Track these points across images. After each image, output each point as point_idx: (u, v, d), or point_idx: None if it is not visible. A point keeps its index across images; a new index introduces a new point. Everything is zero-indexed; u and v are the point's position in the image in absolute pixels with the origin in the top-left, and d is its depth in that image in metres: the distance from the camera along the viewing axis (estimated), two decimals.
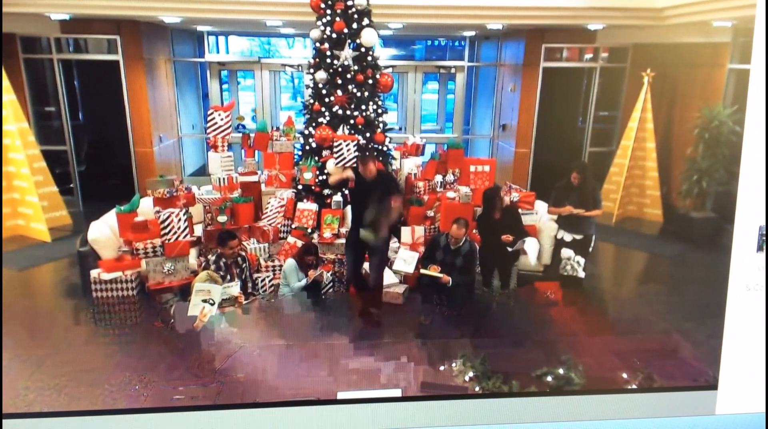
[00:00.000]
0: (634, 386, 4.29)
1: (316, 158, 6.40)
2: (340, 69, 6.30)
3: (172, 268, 5.25)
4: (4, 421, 3.50)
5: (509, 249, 5.61)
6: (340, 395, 3.90)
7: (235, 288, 4.42)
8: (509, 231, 5.65)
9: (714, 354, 3.85)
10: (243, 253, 5.34)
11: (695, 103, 7.79)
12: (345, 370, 4.55)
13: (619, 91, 8.50)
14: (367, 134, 6.43)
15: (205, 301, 4.15)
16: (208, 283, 4.22)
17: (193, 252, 5.55)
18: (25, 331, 5.09)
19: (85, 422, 3.49)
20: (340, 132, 6.34)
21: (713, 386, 3.84)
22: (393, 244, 6.11)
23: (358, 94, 6.36)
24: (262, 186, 6.49)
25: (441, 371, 4.47)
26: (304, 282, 5.26)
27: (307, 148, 6.51)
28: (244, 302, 4.53)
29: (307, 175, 6.32)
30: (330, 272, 5.66)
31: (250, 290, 5.24)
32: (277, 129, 6.70)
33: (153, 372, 4.27)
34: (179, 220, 5.31)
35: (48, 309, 5.69)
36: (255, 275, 5.46)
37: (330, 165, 6.26)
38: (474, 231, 5.84)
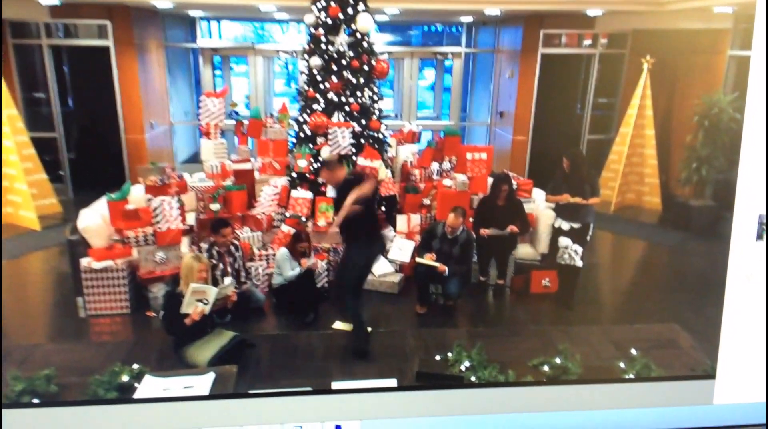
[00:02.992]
0: (632, 376, 4.30)
1: (311, 146, 6.36)
2: (335, 55, 6.26)
3: (164, 257, 5.23)
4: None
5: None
6: (334, 385, 3.89)
7: (230, 288, 4.45)
8: (510, 221, 5.66)
9: (712, 343, 3.85)
10: (236, 242, 5.31)
11: (695, 90, 7.77)
12: (339, 359, 4.55)
13: (619, 77, 8.48)
14: (363, 121, 6.40)
15: (199, 300, 4.16)
16: (204, 285, 4.23)
17: (185, 241, 5.52)
18: (14, 320, 5.07)
19: (75, 413, 3.48)
20: (335, 119, 6.30)
21: (711, 376, 3.84)
22: (389, 232, 6.10)
23: (354, 80, 6.33)
24: (256, 174, 6.46)
25: (436, 361, 4.48)
26: (297, 271, 5.24)
27: (302, 135, 6.48)
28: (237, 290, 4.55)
29: (302, 163, 6.29)
30: (324, 261, 5.64)
31: (243, 279, 5.22)
32: (271, 116, 6.67)
33: (145, 362, 4.26)
34: (171, 208, 5.28)
35: (37, 298, 5.68)
36: (248, 264, 5.44)
37: (324, 152, 6.23)
38: (470, 219, 5.83)
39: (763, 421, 3.74)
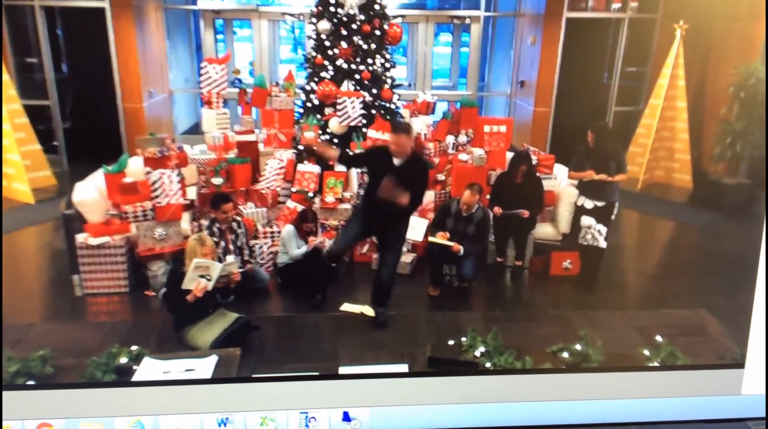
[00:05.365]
0: (656, 364, 4.31)
1: (319, 116, 6.35)
2: (344, 18, 6.22)
3: (164, 233, 5.26)
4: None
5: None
6: (342, 370, 3.93)
7: (234, 265, 4.48)
8: (527, 199, 5.64)
9: (742, 330, 3.85)
10: (238, 218, 5.34)
11: (731, 59, 7.65)
12: (347, 343, 4.59)
13: (649, 44, 8.35)
14: (374, 90, 6.37)
15: (202, 276, 4.20)
16: (208, 260, 4.26)
17: (185, 216, 5.55)
18: (7, 299, 5.13)
19: (72, 395, 3.53)
20: (344, 88, 6.27)
21: (740, 364, 3.85)
22: None
23: (365, 46, 6.29)
24: (260, 146, 6.45)
25: (450, 346, 4.50)
26: (304, 249, 5.27)
27: (309, 105, 6.47)
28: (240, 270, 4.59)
29: (309, 135, 6.28)
30: (332, 240, 5.66)
31: (246, 258, 5.25)
32: (277, 84, 6.63)
33: (144, 343, 4.32)
34: (171, 181, 5.30)
35: (31, 275, 5.74)
36: (252, 242, 5.47)
37: (333, 124, 6.22)
38: (487, 196, 5.82)
39: None
